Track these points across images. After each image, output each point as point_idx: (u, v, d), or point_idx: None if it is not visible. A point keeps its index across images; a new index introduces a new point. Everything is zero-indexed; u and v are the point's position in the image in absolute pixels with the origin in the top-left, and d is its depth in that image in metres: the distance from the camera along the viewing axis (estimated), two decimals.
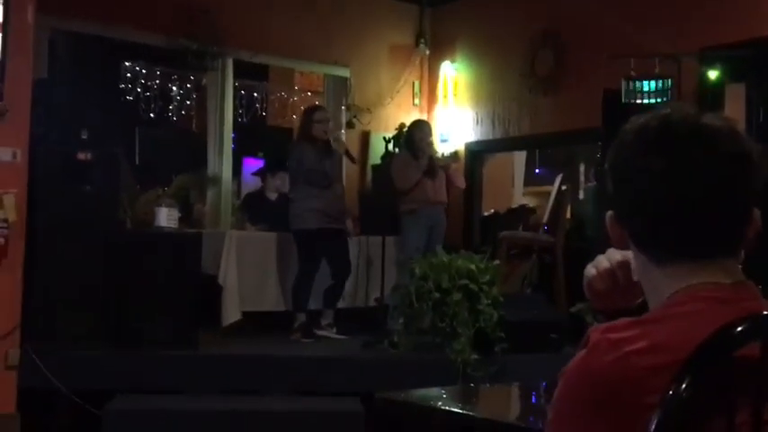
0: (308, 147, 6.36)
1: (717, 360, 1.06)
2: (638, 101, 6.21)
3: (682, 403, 1.03)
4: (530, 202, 9.54)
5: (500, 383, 5.03)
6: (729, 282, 1.15)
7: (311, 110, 6.76)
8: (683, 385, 1.04)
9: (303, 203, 6.30)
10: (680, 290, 1.15)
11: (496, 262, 5.76)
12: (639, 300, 1.38)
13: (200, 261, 5.74)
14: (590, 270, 1.39)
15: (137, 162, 8.01)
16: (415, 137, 6.81)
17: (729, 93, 6.35)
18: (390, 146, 8.18)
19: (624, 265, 1.34)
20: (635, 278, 1.30)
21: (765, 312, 1.10)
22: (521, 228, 7.71)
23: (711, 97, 6.29)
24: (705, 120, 1.16)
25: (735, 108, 6.29)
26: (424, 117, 8.48)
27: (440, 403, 1.93)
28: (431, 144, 6.94)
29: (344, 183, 7.27)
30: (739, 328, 1.07)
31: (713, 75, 6.27)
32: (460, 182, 7.09)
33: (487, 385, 3.20)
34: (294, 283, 6.43)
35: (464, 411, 1.80)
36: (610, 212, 1.23)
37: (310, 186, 6.29)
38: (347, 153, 6.70)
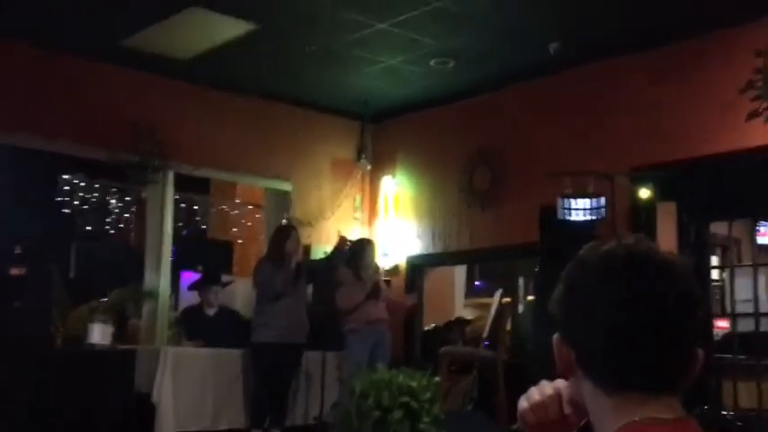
0: (266, 263, 6.64)
1: None
2: (573, 218, 6.35)
3: None
4: (471, 314, 9.54)
5: None
6: (672, 417, 1.15)
7: (285, 228, 7.13)
8: None
9: (258, 317, 6.38)
10: (626, 425, 1.14)
11: (437, 379, 5.70)
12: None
13: (132, 379, 5.59)
14: (522, 403, 1.39)
15: (71, 276, 7.84)
16: (359, 257, 6.89)
17: (661, 210, 6.54)
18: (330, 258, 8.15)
19: (555, 398, 1.34)
20: (566, 411, 1.30)
21: None
22: (461, 342, 7.69)
23: (644, 215, 6.47)
24: (667, 257, 1.19)
25: (666, 225, 6.47)
26: (365, 231, 8.54)
27: None
28: (376, 266, 7.03)
29: None
30: None
31: (645, 193, 6.46)
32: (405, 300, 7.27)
33: None
34: (253, 396, 6.38)
35: None
36: (557, 335, 1.23)
37: (270, 302, 6.40)
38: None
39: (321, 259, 7.32)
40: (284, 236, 6.89)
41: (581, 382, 1.22)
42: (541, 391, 1.37)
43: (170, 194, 7.60)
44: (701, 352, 1.18)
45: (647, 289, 1.15)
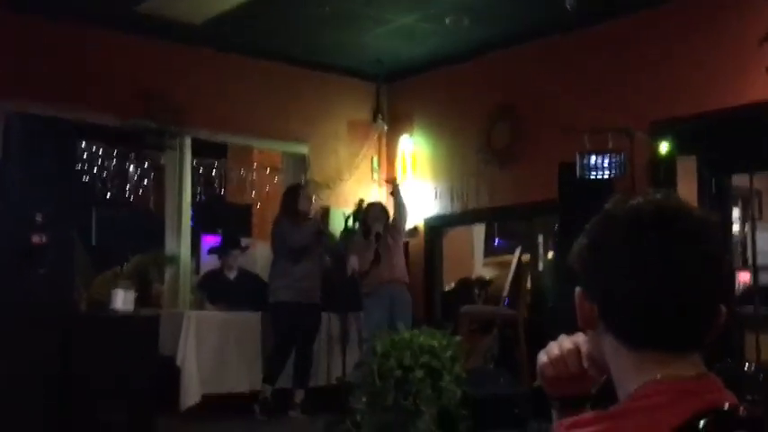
0: (285, 222, 6.63)
1: None
2: (593, 175, 6.30)
3: None
4: (490, 273, 9.56)
5: None
6: (694, 374, 1.15)
7: (295, 188, 7.11)
8: None
9: (277, 278, 6.43)
10: (647, 382, 1.14)
11: (458, 338, 5.73)
12: (593, 387, 1.38)
13: (156, 344, 5.66)
14: (541, 357, 1.39)
15: (93, 243, 7.91)
16: (365, 219, 6.91)
17: (681, 165, 6.48)
18: (350, 222, 8.16)
19: (574, 352, 1.34)
20: (585, 365, 1.30)
21: (727, 405, 1.10)
22: (481, 301, 7.71)
23: (663, 170, 6.42)
24: (695, 215, 1.18)
25: (686, 180, 6.42)
26: (383, 192, 8.52)
27: None
28: (381, 222, 7.00)
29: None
30: (702, 422, 1.07)
31: (664, 148, 6.40)
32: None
33: None
34: (270, 353, 6.44)
35: None
36: (579, 289, 1.22)
37: (288, 261, 6.41)
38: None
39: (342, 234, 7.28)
40: (295, 194, 6.90)
41: (602, 337, 1.21)
42: (561, 345, 1.37)
43: (188, 160, 7.63)
44: (723, 308, 1.17)
45: (673, 248, 1.14)
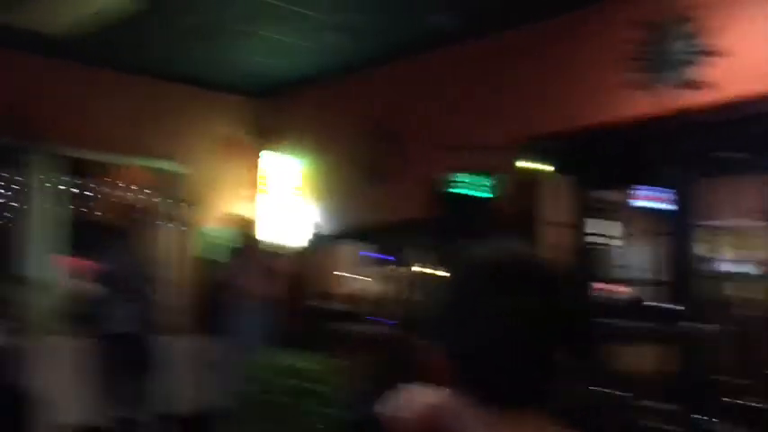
0: (114, 249, 6.41)
1: None
2: (465, 192, 6.35)
3: None
4: (363, 286, 9.52)
5: None
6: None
7: (126, 207, 6.72)
8: None
9: (111, 307, 6.09)
10: None
11: (329, 357, 5.62)
12: None
13: (7, 373, 5.32)
14: (398, 409, 1.33)
15: None
16: (245, 239, 6.78)
17: (554, 182, 6.58)
18: (218, 240, 7.98)
19: (438, 407, 1.28)
20: (450, 421, 1.24)
21: None
22: (350, 319, 7.64)
23: (532, 188, 6.50)
24: (537, 263, 1.17)
25: (555, 198, 6.52)
26: (254, 209, 8.37)
27: None
28: (257, 243, 6.92)
29: (177, 275, 7.13)
30: None
31: (534, 166, 6.48)
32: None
33: None
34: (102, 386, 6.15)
35: None
36: (430, 341, 1.20)
37: (118, 290, 6.14)
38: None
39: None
40: (124, 216, 6.77)
41: (452, 392, 1.19)
42: (408, 397, 1.36)
43: (49, 178, 7.30)
44: (564, 364, 1.16)
45: (510, 301, 1.12)
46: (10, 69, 7.06)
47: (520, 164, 6.52)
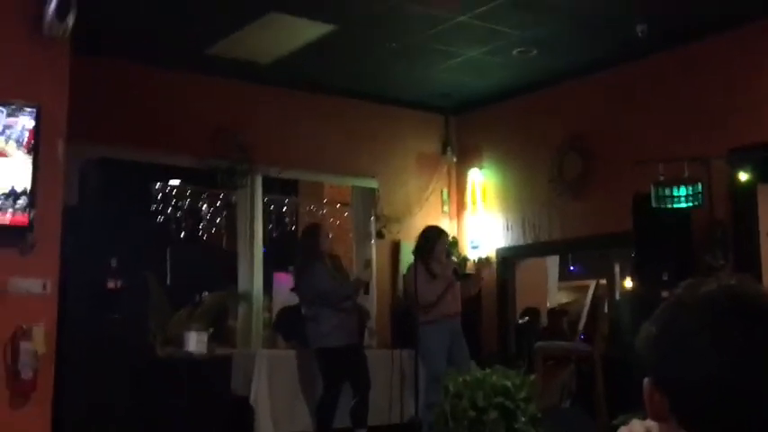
0: (319, 266, 6.37)
1: None
2: (669, 205, 6.14)
3: None
4: (566, 298, 9.40)
5: None
6: None
7: (314, 228, 6.82)
8: None
9: (322, 324, 6.29)
10: None
11: (533, 377, 5.61)
12: None
13: (229, 385, 5.67)
14: None
15: (168, 282, 8.03)
16: (431, 249, 6.68)
17: (762, 193, 6.26)
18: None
19: None
20: None
21: None
22: (557, 333, 7.57)
23: (743, 199, 6.21)
24: None
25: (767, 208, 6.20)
26: (454, 224, 8.47)
27: None
28: (450, 253, 6.90)
29: (377, 293, 7.29)
30: None
31: (744, 176, 6.20)
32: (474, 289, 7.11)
33: None
34: (318, 403, 6.32)
35: None
36: (648, 379, 1.16)
37: (326, 306, 6.29)
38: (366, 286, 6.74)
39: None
40: (316, 235, 6.66)
41: (667, 427, 1.14)
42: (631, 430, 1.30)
43: (259, 197, 7.71)
44: None
45: (754, 338, 1.07)
46: (222, 95, 7.52)
47: (729, 174, 6.24)
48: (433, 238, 6.74)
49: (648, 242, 6.46)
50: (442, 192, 8.73)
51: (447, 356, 6.41)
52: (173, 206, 7.61)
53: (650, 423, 1.26)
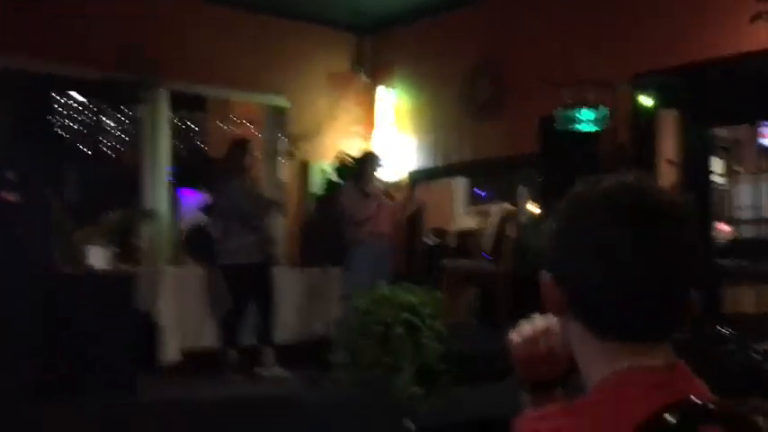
0: (239, 182, 6.30)
1: None
2: (574, 128, 6.26)
3: None
4: (472, 223, 9.53)
5: (447, 416, 5.00)
6: (663, 364, 1.11)
7: (244, 142, 6.70)
8: None
9: (230, 239, 6.23)
10: (615, 372, 1.10)
11: (439, 293, 5.72)
12: (563, 369, 1.34)
13: (134, 301, 5.60)
14: (513, 337, 1.35)
15: (69, 199, 7.80)
16: (368, 169, 6.78)
17: (663, 118, 6.43)
18: (332, 176, 8.10)
19: (546, 332, 1.30)
20: (560, 346, 1.26)
21: (695, 398, 1.07)
22: (462, 255, 7.70)
23: (645, 123, 6.36)
24: (671, 200, 1.13)
25: (667, 133, 6.38)
26: (364, 145, 8.45)
27: None
28: (377, 177, 6.95)
29: (285, 211, 7.27)
30: (671, 417, 1.03)
31: (647, 101, 6.33)
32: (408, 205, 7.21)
33: None
34: (223, 317, 6.32)
35: None
36: (547, 273, 1.18)
37: (240, 223, 6.23)
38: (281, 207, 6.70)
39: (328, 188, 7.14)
40: (242, 150, 6.52)
41: (570, 324, 1.17)
42: (533, 325, 1.33)
43: (165, 113, 7.51)
44: (696, 298, 1.13)
45: (648, 235, 1.09)
46: (128, 8, 7.23)
47: (632, 99, 6.38)
48: (366, 161, 6.91)
49: (554, 165, 6.58)
50: (353, 112, 8.67)
51: (370, 277, 6.49)
52: (75, 120, 7.33)
53: (550, 317, 1.30)
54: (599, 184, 1.15)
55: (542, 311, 1.33)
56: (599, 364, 1.12)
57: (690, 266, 1.12)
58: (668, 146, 6.23)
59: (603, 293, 1.11)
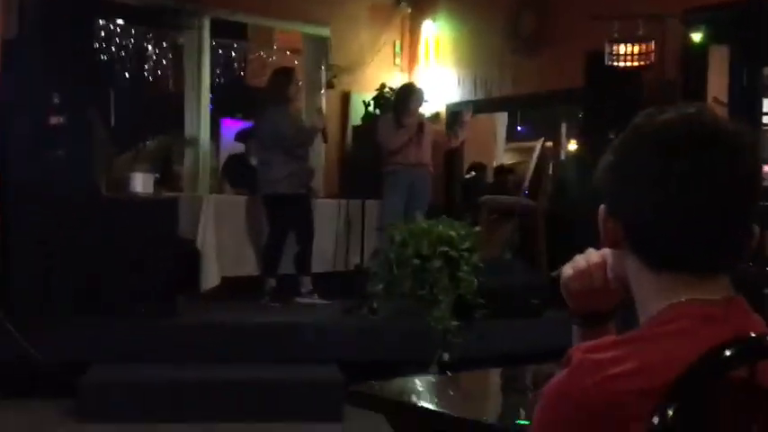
0: (283, 110, 6.29)
1: (705, 384, 1.01)
2: (621, 63, 6.14)
3: (668, 430, 0.99)
4: (512, 159, 9.48)
5: (481, 350, 5.05)
6: (720, 298, 1.10)
7: (289, 71, 6.65)
8: (670, 411, 0.99)
9: (272, 169, 6.23)
10: (671, 305, 1.10)
11: (477, 228, 5.72)
12: (615, 303, 1.34)
13: (176, 226, 5.67)
14: (566, 270, 1.35)
15: (112, 124, 7.86)
16: (408, 103, 6.73)
17: (713, 55, 6.28)
18: (371, 107, 8.06)
19: (601, 266, 1.30)
20: (610, 276, 1.26)
21: (753, 333, 1.06)
22: (502, 190, 7.67)
23: (694, 60, 6.22)
24: (729, 129, 1.10)
25: (718, 70, 6.22)
26: (405, 77, 8.37)
27: (416, 400, 1.88)
28: (419, 111, 6.91)
29: (325, 144, 7.25)
30: (728, 351, 1.02)
31: (697, 37, 6.18)
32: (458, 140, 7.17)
33: (467, 373, 3.14)
34: (263, 247, 6.38)
35: (444, 410, 1.76)
36: (603, 207, 1.17)
37: (282, 152, 6.21)
38: (324, 132, 6.62)
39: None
40: (287, 79, 6.42)
41: (626, 257, 1.16)
42: (587, 258, 1.33)
43: (207, 40, 7.49)
44: (757, 229, 1.11)
45: (707, 166, 1.07)
46: None
47: (682, 34, 6.23)
48: (404, 93, 6.88)
49: (597, 101, 6.48)
50: (394, 43, 8.58)
51: (404, 207, 6.50)
52: (117, 45, 7.33)
53: (605, 251, 1.29)
54: (657, 116, 1.13)
55: (577, 249, 1.33)
56: (655, 297, 1.12)
57: (749, 196, 1.10)
58: (717, 84, 6.09)
59: (659, 225, 1.10)
